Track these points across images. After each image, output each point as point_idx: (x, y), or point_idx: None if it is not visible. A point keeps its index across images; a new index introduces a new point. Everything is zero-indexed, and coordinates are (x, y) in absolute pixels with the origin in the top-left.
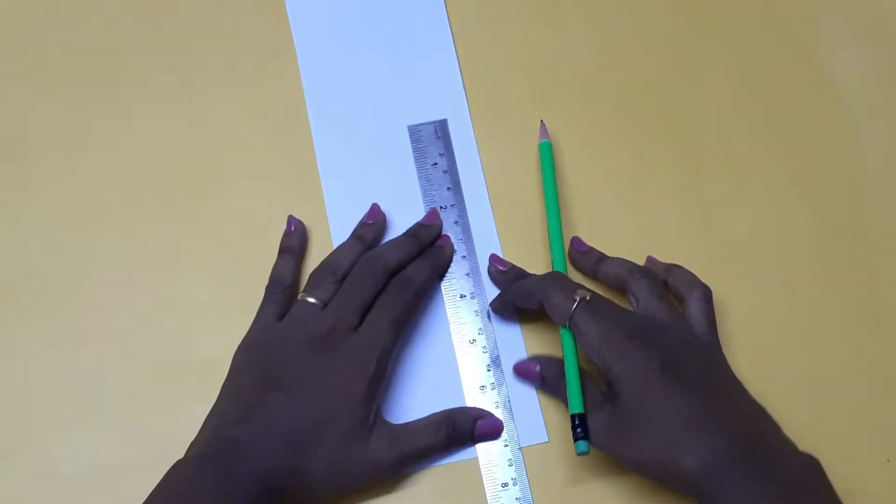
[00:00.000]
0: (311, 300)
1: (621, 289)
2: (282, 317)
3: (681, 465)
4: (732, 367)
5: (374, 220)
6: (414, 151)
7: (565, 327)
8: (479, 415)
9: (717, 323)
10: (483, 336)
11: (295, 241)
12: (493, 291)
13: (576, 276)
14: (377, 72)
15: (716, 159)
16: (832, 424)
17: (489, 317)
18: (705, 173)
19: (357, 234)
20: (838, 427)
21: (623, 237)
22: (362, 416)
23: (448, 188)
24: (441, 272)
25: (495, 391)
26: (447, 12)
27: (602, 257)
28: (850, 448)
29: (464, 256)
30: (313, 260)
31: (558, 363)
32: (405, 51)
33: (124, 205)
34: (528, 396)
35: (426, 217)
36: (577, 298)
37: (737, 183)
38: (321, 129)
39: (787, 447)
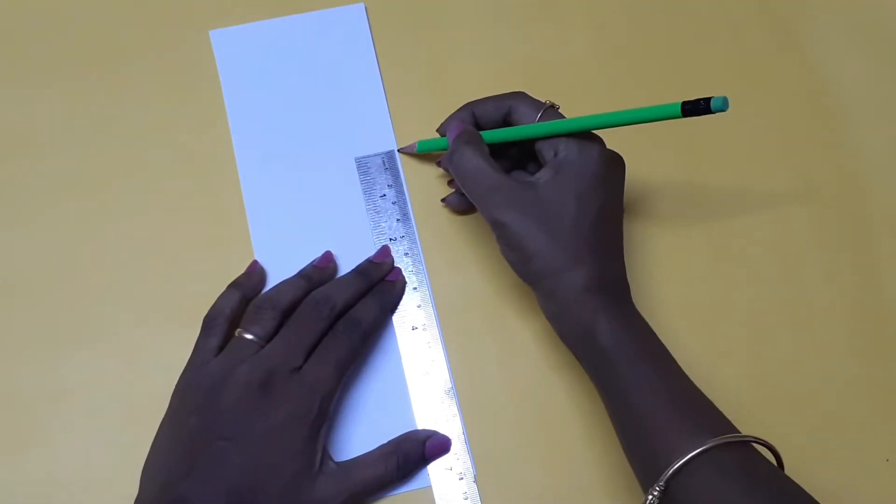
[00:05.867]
0: (249, 336)
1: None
2: (219, 350)
3: (564, 275)
4: (734, 365)
5: (325, 266)
6: (362, 183)
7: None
8: (427, 436)
9: (717, 324)
10: (436, 368)
11: (244, 279)
12: (445, 323)
13: None
14: (307, 111)
15: (715, 159)
16: (832, 424)
17: (442, 345)
18: (705, 173)
19: (303, 274)
20: (838, 427)
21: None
22: (307, 461)
23: (397, 219)
24: (391, 309)
25: (449, 423)
26: (374, 48)
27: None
28: (850, 448)
29: (415, 288)
30: None
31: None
32: (335, 89)
33: (125, 204)
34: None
35: (377, 254)
36: (546, 104)
37: (736, 183)
38: (249, 174)
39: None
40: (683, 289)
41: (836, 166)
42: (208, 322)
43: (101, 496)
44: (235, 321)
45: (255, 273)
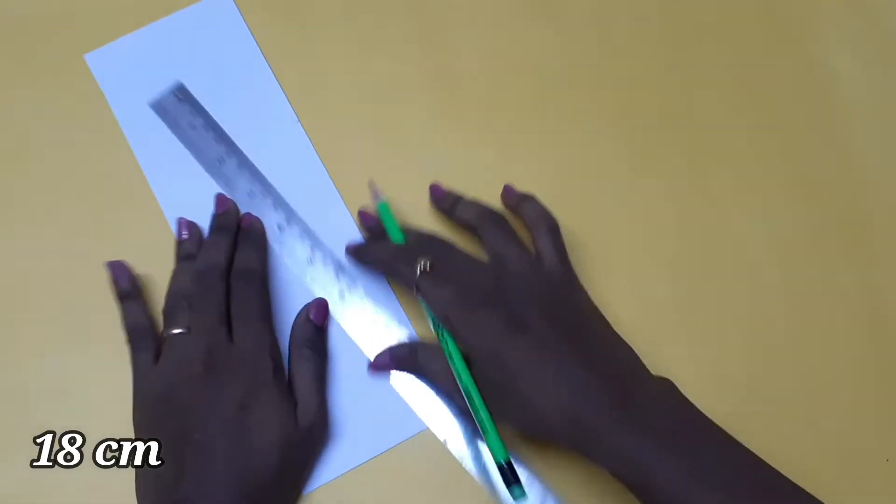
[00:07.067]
0: (177, 331)
1: (474, 233)
2: (156, 359)
3: (546, 422)
4: (734, 365)
5: (189, 234)
6: (169, 126)
7: (420, 299)
8: (306, 311)
9: (717, 324)
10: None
11: (126, 284)
12: (334, 235)
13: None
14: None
15: (715, 159)
16: (832, 424)
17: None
18: (704, 173)
19: (182, 255)
20: (838, 427)
21: (621, 237)
22: (284, 412)
23: (215, 141)
24: (264, 246)
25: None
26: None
27: (456, 200)
28: (850, 448)
29: (276, 207)
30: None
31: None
32: (225, 84)
33: (124, 205)
34: None
35: (217, 206)
36: (420, 268)
37: (736, 182)
38: (160, 184)
39: (642, 375)
40: (681, 289)
41: (836, 166)
42: (133, 338)
43: (102, 497)
44: (154, 325)
45: (124, 277)
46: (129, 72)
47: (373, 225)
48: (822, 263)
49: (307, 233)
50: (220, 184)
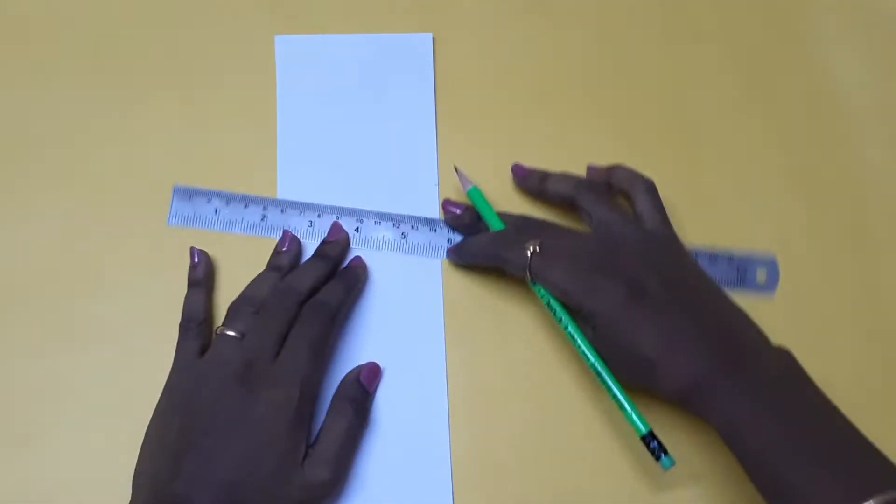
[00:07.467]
0: (231, 333)
1: (570, 205)
2: (201, 351)
3: (665, 385)
4: None
5: (289, 248)
6: (198, 225)
7: (532, 282)
8: (357, 371)
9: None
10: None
11: (201, 272)
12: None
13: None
14: (355, 131)
15: (715, 159)
16: None
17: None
18: (705, 173)
19: (272, 265)
20: None
21: None
22: (294, 446)
23: (244, 207)
24: (356, 292)
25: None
26: (434, 80)
27: (545, 176)
28: None
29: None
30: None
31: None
32: (387, 114)
33: (125, 205)
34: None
35: (330, 233)
36: (529, 252)
37: (736, 182)
38: (287, 181)
39: (761, 343)
40: None
41: (836, 166)
42: (184, 325)
43: (100, 496)
44: (209, 319)
45: (202, 265)
46: (308, 68)
47: (460, 214)
48: (821, 262)
49: (383, 217)
50: (278, 235)
